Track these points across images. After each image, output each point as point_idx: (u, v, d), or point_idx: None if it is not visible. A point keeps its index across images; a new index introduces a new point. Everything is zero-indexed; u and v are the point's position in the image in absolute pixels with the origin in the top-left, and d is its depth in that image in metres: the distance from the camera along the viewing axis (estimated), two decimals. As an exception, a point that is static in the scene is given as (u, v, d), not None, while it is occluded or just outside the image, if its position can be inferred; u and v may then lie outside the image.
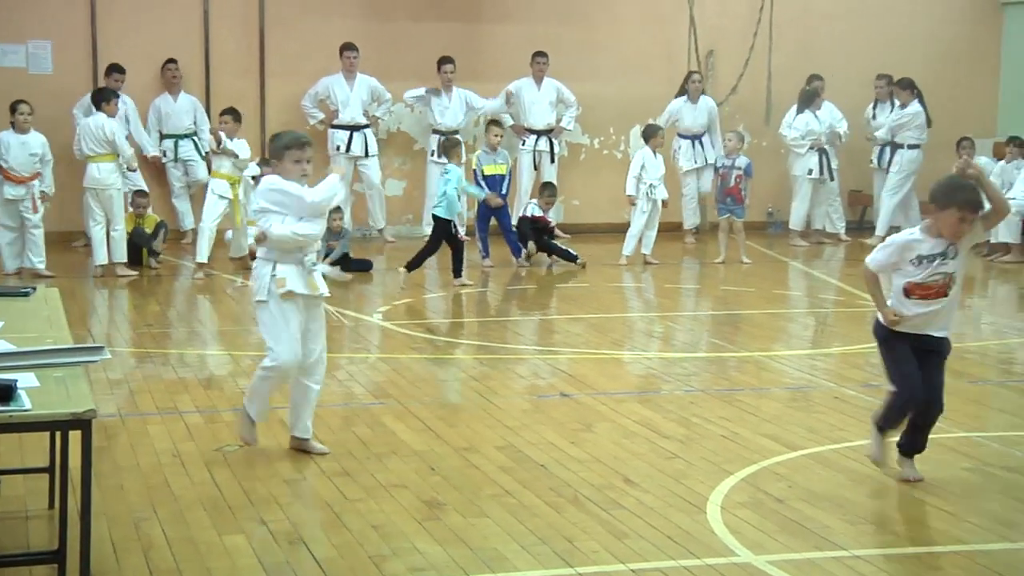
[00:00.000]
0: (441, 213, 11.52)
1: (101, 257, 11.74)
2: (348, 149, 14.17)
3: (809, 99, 14.56)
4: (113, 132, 11.67)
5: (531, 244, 12.64)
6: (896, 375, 5.73)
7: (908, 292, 5.62)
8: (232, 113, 12.08)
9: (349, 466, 5.95)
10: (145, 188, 13.05)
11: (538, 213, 12.94)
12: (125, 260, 11.84)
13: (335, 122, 14.22)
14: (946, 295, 5.61)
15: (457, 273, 11.51)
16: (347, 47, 14.16)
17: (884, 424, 5.79)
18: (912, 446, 5.79)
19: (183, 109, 13.98)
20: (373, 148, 14.32)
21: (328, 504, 5.43)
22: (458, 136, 13.10)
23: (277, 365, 5.92)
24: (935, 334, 5.69)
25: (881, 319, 5.73)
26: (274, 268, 5.88)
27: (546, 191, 13.26)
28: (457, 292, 11.28)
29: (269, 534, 5.07)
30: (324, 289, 6.03)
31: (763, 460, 6.11)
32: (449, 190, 11.45)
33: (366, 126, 14.30)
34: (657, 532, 5.08)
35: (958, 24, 16.17)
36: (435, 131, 14.40)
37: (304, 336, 5.99)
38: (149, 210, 12.84)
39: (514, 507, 5.38)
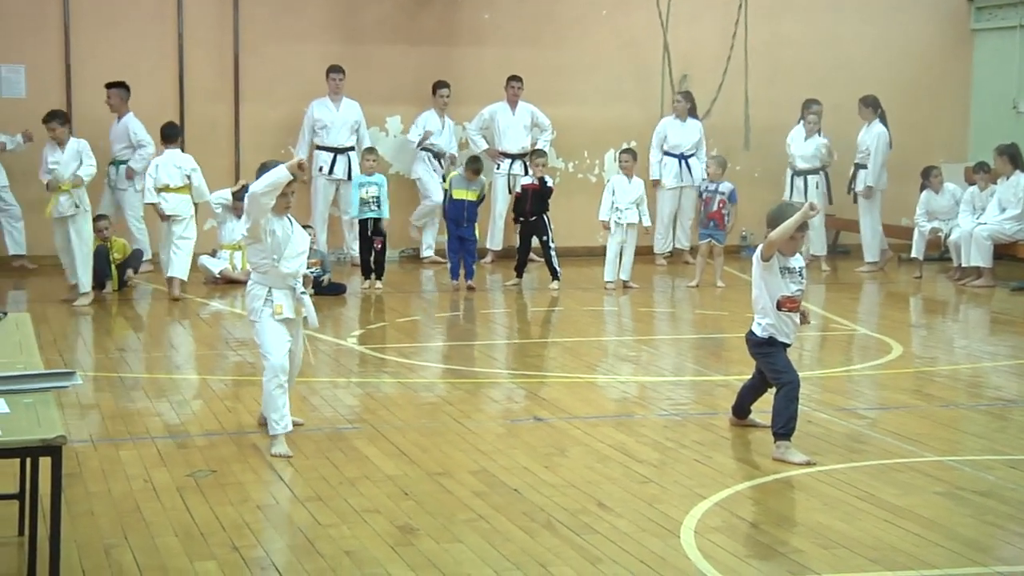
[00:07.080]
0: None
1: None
2: (331, 171, 14.15)
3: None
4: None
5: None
6: (782, 367, 6.61)
7: (780, 305, 6.51)
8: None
9: (322, 491, 5.94)
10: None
11: (527, 181, 12.96)
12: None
13: (319, 143, 14.22)
14: (799, 308, 6.61)
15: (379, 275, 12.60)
16: (333, 69, 14.14)
17: (790, 426, 6.50)
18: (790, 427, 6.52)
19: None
20: (356, 172, 14.26)
21: (301, 530, 5.41)
22: (373, 148, 13.37)
23: (273, 368, 6.55)
24: (791, 342, 6.71)
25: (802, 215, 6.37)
26: (269, 293, 6.57)
27: (535, 155, 13.20)
28: (417, 315, 11.29)
29: (241, 560, 5.04)
30: (312, 316, 6.72)
31: (737, 484, 6.12)
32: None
33: (350, 149, 14.28)
34: (631, 557, 5.08)
35: (929, 50, 16.29)
36: (424, 149, 14.42)
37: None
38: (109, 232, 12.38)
39: (488, 532, 5.37)
